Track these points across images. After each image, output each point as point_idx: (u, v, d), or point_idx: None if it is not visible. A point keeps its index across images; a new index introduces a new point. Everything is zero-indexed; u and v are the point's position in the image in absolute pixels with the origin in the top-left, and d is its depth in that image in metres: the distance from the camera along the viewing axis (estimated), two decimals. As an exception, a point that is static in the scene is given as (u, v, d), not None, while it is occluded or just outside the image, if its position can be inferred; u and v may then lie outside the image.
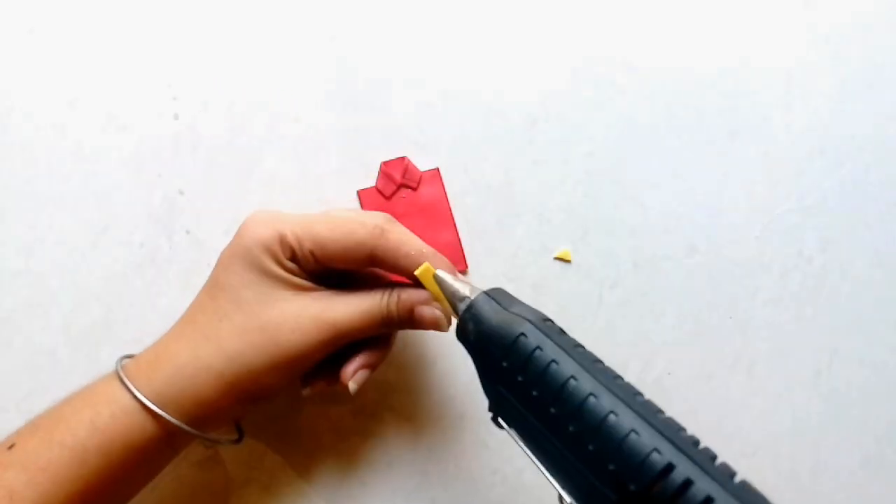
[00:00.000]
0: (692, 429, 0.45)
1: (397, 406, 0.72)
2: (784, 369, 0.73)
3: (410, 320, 0.60)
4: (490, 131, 0.73)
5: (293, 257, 0.58)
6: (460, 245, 0.72)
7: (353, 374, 0.61)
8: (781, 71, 0.74)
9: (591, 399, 0.45)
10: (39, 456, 0.54)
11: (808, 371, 0.74)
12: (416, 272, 0.58)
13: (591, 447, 0.45)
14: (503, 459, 0.72)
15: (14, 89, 0.71)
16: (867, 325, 0.74)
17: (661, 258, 0.73)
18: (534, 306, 0.54)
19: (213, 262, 0.60)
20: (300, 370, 0.60)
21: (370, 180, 0.72)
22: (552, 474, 0.49)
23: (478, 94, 0.73)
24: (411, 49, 0.73)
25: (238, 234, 0.59)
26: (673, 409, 0.47)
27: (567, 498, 0.47)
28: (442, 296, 0.57)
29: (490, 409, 0.54)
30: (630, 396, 0.46)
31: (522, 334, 0.49)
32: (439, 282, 0.57)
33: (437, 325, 0.60)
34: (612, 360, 0.50)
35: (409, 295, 0.60)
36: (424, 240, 0.60)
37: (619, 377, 0.48)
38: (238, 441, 0.65)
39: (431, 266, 0.58)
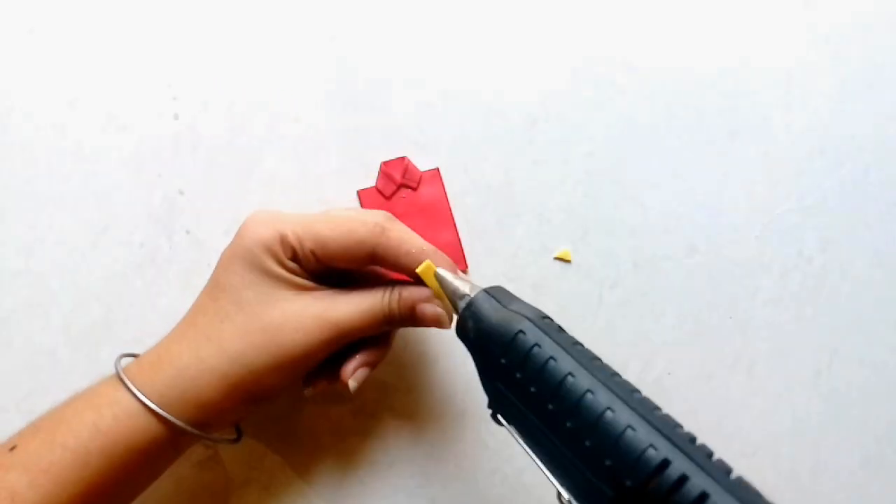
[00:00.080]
0: (692, 429, 0.46)
1: (397, 406, 0.73)
2: (784, 369, 0.74)
3: (412, 318, 0.60)
4: (490, 131, 0.73)
5: (294, 257, 0.58)
6: (460, 245, 0.73)
7: (353, 372, 0.62)
8: (781, 71, 0.74)
9: (589, 395, 0.46)
10: (41, 458, 0.54)
11: (808, 371, 0.74)
12: (418, 270, 0.58)
13: (588, 443, 0.45)
14: (503, 459, 0.72)
15: (14, 89, 0.71)
16: (867, 325, 0.74)
17: (661, 258, 0.73)
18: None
19: (214, 262, 0.61)
20: (303, 370, 0.60)
21: (370, 180, 0.72)
22: (550, 471, 0.49)
23: (478, 94, 0.73)
24: (411, 49, 0.73)
25: (238, 235, 0.59)
26: (673, 409, 0.47)
27: (565, 494, 0.48)
28: (443, 293, 0.58)
29: (489, 406, 0.54)
30: (627, 393, 0.46)
31: (521, 331, 0.50)
32: (440, 280, 0.58)
33: (438, 322, 0.60)
34: (612, 360, 0.50)
35: (411, 292, 0.60)
36: (425, 240, 0.61)
37: (616, 374, 0.49)
38: (236, 441, 0.65)
39: (432, 263, 0.58)
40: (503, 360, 0.50)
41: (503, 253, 0.73)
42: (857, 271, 0.74)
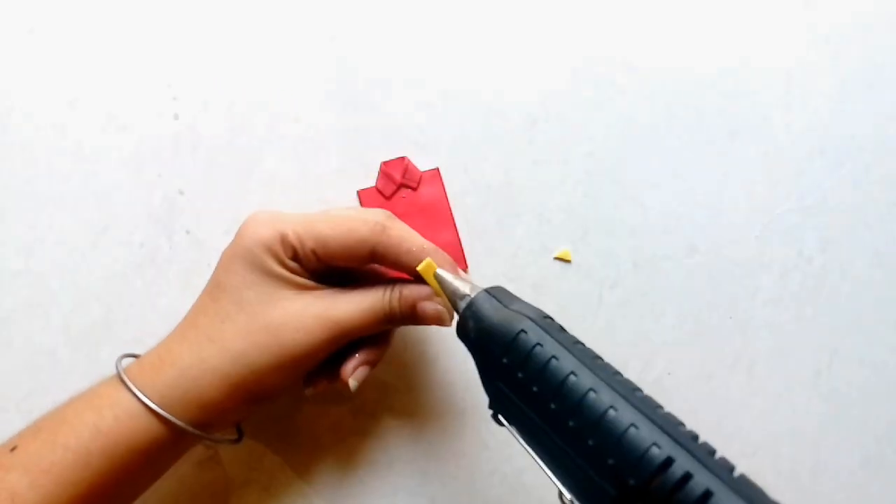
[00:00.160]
0: (692, 429, 0.46)
1: (397, 406, 0.73)
2: (784, 369, 0.74)
3: (413, 316, 0.60)
4: (490, 131, 0.73)
5: (295, 256, 0.58)
6: (460, 245, 0.73)
7: (353, 371, 0.62)
8: (781, 71, 0.74)
9: (591, 394, 0.46)
10: (42, 458, 0.54)
11: (808, 371, 0.74)
12: (418, 268, 0.58)
13: (590, 442, 0.45)
14: (503, 459, 0.72)
15: (14, 89, 0.71)
16: (867, 325, 0.74)
17: (661, 258, 0.73)
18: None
19: (214, 262, 0.61)
20: (304, 369, 0.61)
21: (370, 180, 0.73)
22: (552, 470, 0.49)
23: (478, 94, 0.73)
24: (411, 49, 0.73)
25: (239, 235, 0.59)
26: (673, 409, 0.47)
27: (567, 494, 0.48)
28: (443, 292, 0.58)
29: (490, 407, 0.54)
30: (629, 392, 0.46)
31: (523, 331, 0.50)
32: (440, 280, 0.58)
33: (439, 320, 0.60)
34: (612, 360, 0.50)
35: (411, 291, 0.60)
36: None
37: (618, 373, 0.49)
38: (237, 441, 0.65)
39: (433, 262, 0.58)
40: (505, 360, 0.50)
41: (503, 253, 0.73)
42: (857, 271, 0.74)
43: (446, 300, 0.58)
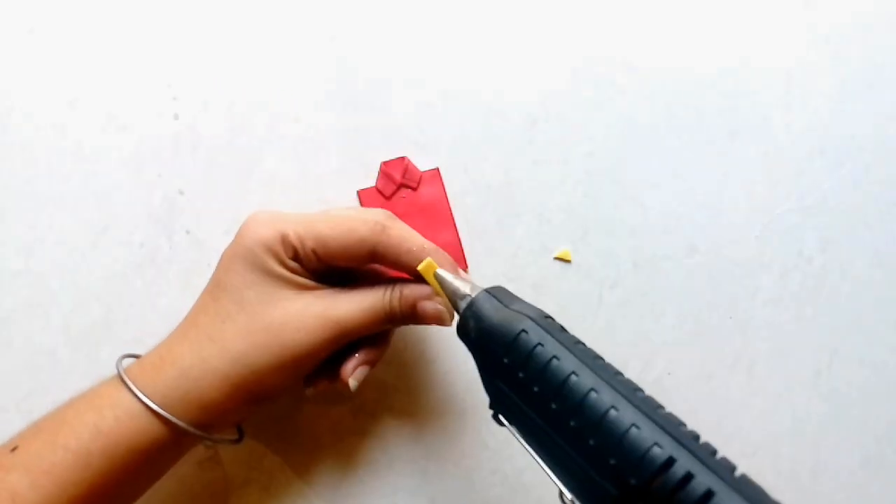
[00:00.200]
0: (693, 429, 0.46)
1: (397, 405, 0.73)
2: (784, 369, 0.74)
3: (413, 315, 0.61)
4: (490, 131, 0.73)
5: (295, 256, 0.58)
6: (460, 245, 0.73)
7: (353, 371, 0.62)
8: (781, 71, 0.74)
9: (592, 394, 0.46)
10: (43, 459, 0.54)
11: (808, 371, 0.74)
12: (419, 267, 0.58)
13: (591, 442, 0.45)
14: (503, 459, 0.72)
15: (14, 89, 0.71)
16: (867, 325, 0.74)
17: (661, 258, 0.74)
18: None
19: (214, 262, 0.61)
20: (305, 369, 0.61)
21: (370, 180, 0.73)
22: (552, 470, 0.49)
23: (478, 94, 0.73)
24: (411, 49, 0.73)
25: (239, 235, 0.60)
26: (673, 409, 0.47)
27: (567, 494, 0.48)
28: (443, 291, 0.58)
29: (491, 407, 0.54)
30: (630, 392, 0.47)
31: (524, 331, 0.50)
32: (440, 280, 0.58)
33: (439, 320, 0.61)
34: (612, 360, 0.51)
35: (412, 290, 0.60)
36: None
37: (619, 373, 0.49)
38: (238, 441, 0.65)
39: (433, 261, 0.58)
40: (505, 360, 0.50)
41: (503, 253, 0.73)
42: (857, 271, 0.74)
43: (446, 300, 0.58)
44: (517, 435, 0.52)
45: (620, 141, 0.74)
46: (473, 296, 0.55)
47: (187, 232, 0.72)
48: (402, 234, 0.59)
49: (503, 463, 0.73)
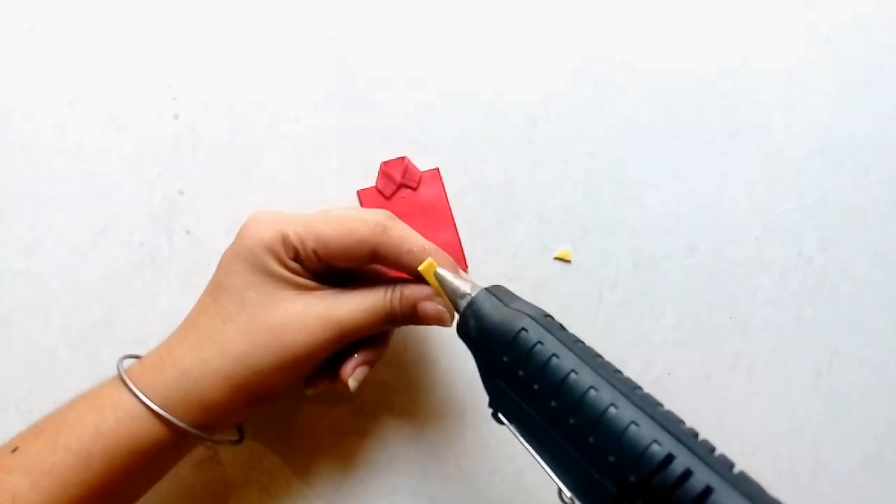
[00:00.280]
0: (691, 426, 0.46)
1: (397, 406, 0.73)
2: (784, 369, 0.74)
3: (414, 316, 0.61)
4: (490, 131, 0.74)
5: (296, 257, 0.59)
6: (460, 245, 0.73)
7: (353, 371, 0.62)
8: (781, 71, 0.75)
9: (592, 392, 0.46)
10: (44, 459, 0.55)
11: (808, 371, 0.74)
12: (419, 268, 0.58)
13: (591, 440, 0.46)
14: (504, 458, 0.73)
15: (14, 89, 0.71)
16: (867, 325, 0.75)
17: (661, 258, 0.74)
18: (533, 305, 0.55)
19: (214, 262, 0.61)
20: (306, 370, 0.61)
21: (370, 180, 0.73)
22: (552, 468, 0.49)
23: (478, 94, 0.74)
24: (411, 49, 0.73)
25: (240, 236, 0.60)
26: (673, 408, 0.47)
27: (566, 492, 0.48)
28: (444, 291, 0.58)
29: (490, 405, 0.54)
30: (630, 390, 0.47)
31: (523, 329, 0.50)
32: (440, 279, 0.58)
33: (440, 320, 0.61)
34: (612, 360, 0.51)
35: (412, 291, 0.60)
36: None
37: (618, 371, 0.49)
38: (239, 442, 0.65)
39: (434, 262, 0.59)
40: (505, 359, 0.51)
41: (503, 253, 0.74)
42: (857, 271, 0.75)
43: (447, 300, 0.58)
44: (516, 433, 0.52)
45: (620, 141, 0.74)
46: (473, 295, 0.55)
47: (187, 232, 0.72)
48: (402, 235, 0.59)
49: (503, 463, 0.73)
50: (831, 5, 0.75)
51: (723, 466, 0.43)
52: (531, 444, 0.51)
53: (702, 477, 0.42)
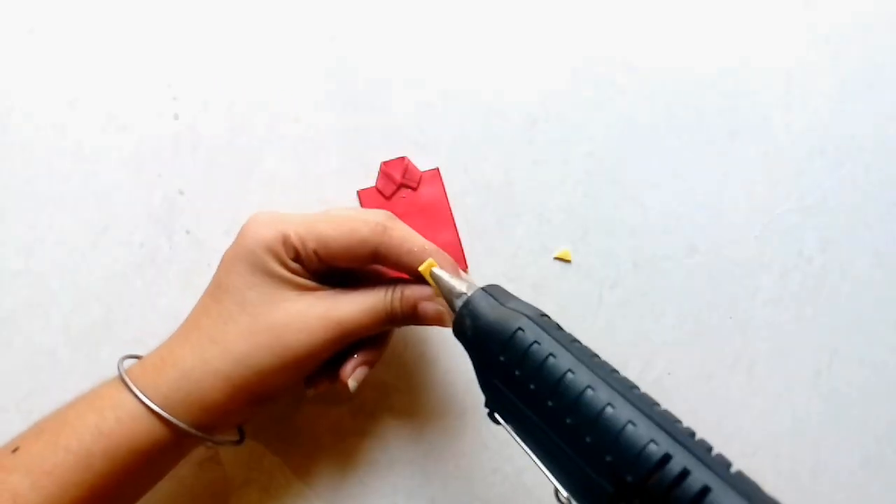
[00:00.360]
0: (692, 430, 0.46)
1: (397, 405, 0.74)
2: (784, 369, 0.75)
3: (414, 316, 0.61)
4: (490, 131, 0.74)
5: (297, 257, 0.59)
6: (460, 245, 0.73)
7: (352, 371, 0.63)
8: (781, 71, 0.75)
9: (589, 392, 0.46)
10: (44, 460, 0.55)
11: (808, 371, 0.75)
12: (420, 268, 0.59)
13: (588, 439, 0.46)
14: (503, 459, 0.73)
15: (14, 89, 0.72)
16: (867, 325, 0.75)
17: (661, 258, 0.74)
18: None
19: (214, 262, 0.61)
20: (307, 370, 0.61)
21: (370, 180, 0.73)
22: (548, 468, 0.50)
23: (478, 94, 0.74)
24: (411, 49, 0.74)
25: (240, 236, 0.60)
26: (673, 409, 0.48)
27: (563, 492, 0.48)
28: (440, 290, 0.59)
29: (486, 405, 0.55)
30: (627, 389, 0.47)
31: (520, 329, 0.50)
32: (436, 279, 0.58)
33: (440, 321, 0.61)
34: (612, 360, 0.51)
35: (413, 291, 0.61)
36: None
37: (615, 371, 0.49)
38: (239, 442, 0.66)
39: (434, 262, 0.59)
40: (502, 358, 0.51)
41: (503, 253, 0.74)
42: (857, 271, 0.75)
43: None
44: (513, 433, 0.52)
45: (620, 141, 0.74)
46: (469, 294, 0.56)
47: (187, 232, 0.72)
48: (403, 235, 0.60)
49: (503, 463, 0.73)
50: (831, 5, 0.75)
51: (720, 466, 0.43)
52: (528, 444, 0.51)
53: (699, 476, 0.42)
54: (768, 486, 0.43)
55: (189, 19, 0.73)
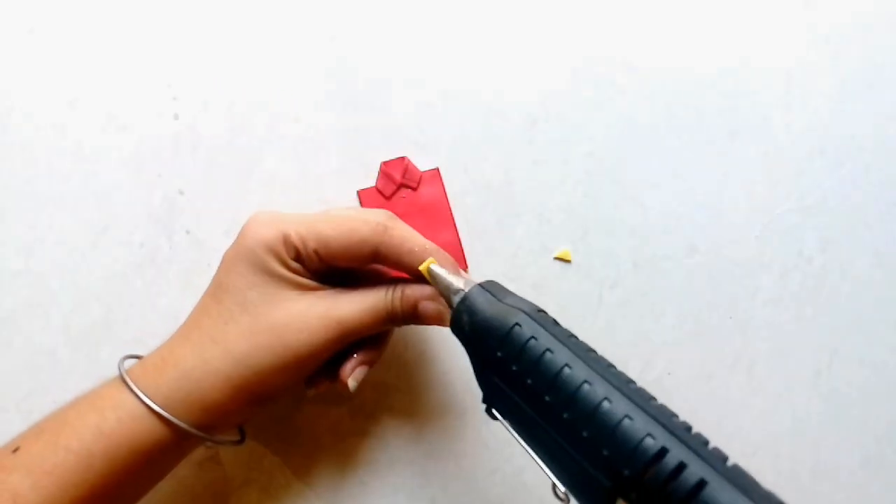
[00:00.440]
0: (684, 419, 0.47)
1: (397, 406, 0.74)
2: (784, 369, 0.75)
3: (414, 315, 0.62)
4: (490, 131, 0.74)
5: (297, 257, 0.59)
6: (460, 245, 0.74)
7: (352, 371, 0.63)
8: (781, 71, 0.76)
9: (586, 386, 0.47)
10: (45, 460, 0.55)
11: (808, 371, 0.75)
12: (420, 267, 0.59)
13: (585, 434, 0.46)
14: (503, 459, 0.73)
15: (14, 89, 0.72)
16: (867, 325, 0.75)
17: (661, 258, 0.75)
18: (532, 305, 0.56)
19: (214, 262, 0.62)
20: (307, 370, 0.61)
21: (370, 180, 0.74)
22: (546, 463, 0.50)
23: (478, 94, 0.75)
24: (411, 49, 0.74)
25: (241, 236, 0.60)
26: (673, 409, 0.48)
27: (560, 486, 0.49)
28: (437, 287, 0.59)
29: (484, 401, 0.55)
30: (623, 384, 0.48)
31: (517, 324, 0.51)
32: (433, 275, 0.59)
33: (440, 320, 0.61)
34: (612, 360, 0.51)
35: (413, 290, 0.61)
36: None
37: (612, 366, 0.50)
38: (240, 442, 0.66)
39: (435, 262, 0.59)
40: (499, 354, 0.52)
41: (503, 253, 0.75)
42: (857, 271, 0.76)
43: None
44: (510, 429, 0.53)
45: (620, 141, 0.75)
46: (467, 290, 0.56)
47: (187, 232, 0.73)
48: (403, 235, 0.60)
49: (503, 463, 0.74)
50: (831, 5, 0.76)
51: (716, 460, 0.43)
52: (525, 440, 0.52)
53: (695, 470, 0.42)
54: (768, 486, 0.44)
55: (189, 19, 0.73)
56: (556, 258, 0.75)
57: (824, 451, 0.75)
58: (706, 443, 0.45)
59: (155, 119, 0.73)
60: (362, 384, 0.64)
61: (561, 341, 0.50)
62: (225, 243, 0.62)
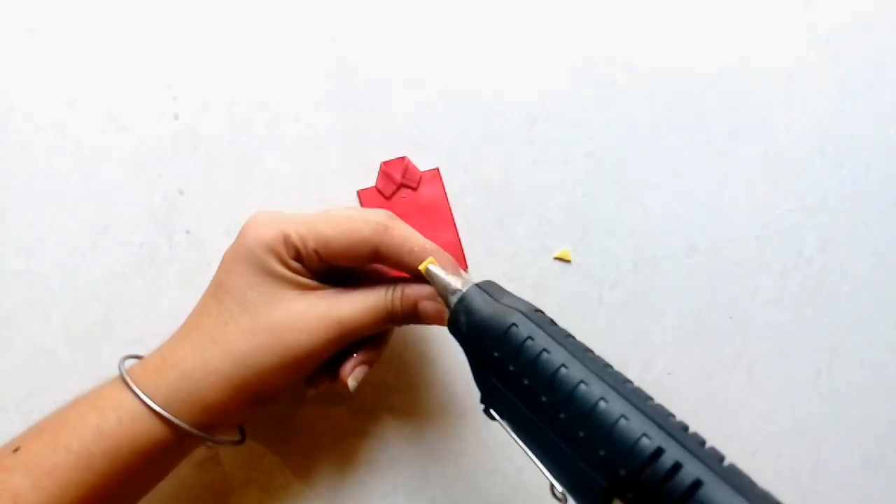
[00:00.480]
0: (692, 429, 0.47)
1: (397, 405, 0.74)
2: (784, 369, 0.75)
3: (414, 315, 0.62)
4: (490, 131, 0.75)
5: (297, 257, 0.60)
6: (460, 245, 0.74)
7: (352, 371, 0.63)
8: (781, 71, 0.76)
9: (582, 386, 0.47)
10: (45, 460, 0.55)
11: (808, 371, 0.76)
12: (420, 267, 0.60)
13: (581, 434, 0.47)
14: (503, 459, 0.74)
15: (14, 89, 0.72)
16: (867, 325, 0.76)
17: (661, 258, 0.75)
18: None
19: (214, 262, 0.62)
20: (308, 370, 0.62)
21: (370, 180, 0.74)
22: (543, 463, 0.50)
23: (478, 94, 0.75)
24: (411, 49, 0.75)
25: (241, 236, 0.61)
26: (673, 409, 0.48)
27: (558, 487, 0.49)
28: (435, 287, 0.59)
29: (482, 401, 0.55)
30: (620, 384, 0.48)
31: (514, 324, 0.51)
32: (431, 275, 0.59)
33: (440, 320, 0.61)
34: (612, 360, 0.51)
35: (413, 290, 0.61)
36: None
37: (608, 366, 0.50)
38: (240, 442, 0.66)
39: (435, 261, 0.60)
40: (496, 354, 0.52)
41: (503, 253, 0.75)
42: (857, 271, 0.76)
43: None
44: (507, 428, 0.53)
45: (620, 141, 0.75)
46: (464, 290, 0.56)
47: (187, 232, 0.73)
48: (403, 235, 0.60)
49: (503, 463, 0.74)
50: (831, 5, 0.76)
51: (713, 459, 0.44)
52: (523, 440, 0.52)
53: (691, 470, 0.43)
54: (768, 486, 0.44)
55: (189, 19, 0.74)
56: (556, 258, 0.75)
57: (824, 451, 0.76)
58: (703, 443, 0.45)
59: (155, 119, 0.73)
60: (362, 384, 0.64)
61: (558, 341, 0.50)
62: (225, 243, 0.62)
